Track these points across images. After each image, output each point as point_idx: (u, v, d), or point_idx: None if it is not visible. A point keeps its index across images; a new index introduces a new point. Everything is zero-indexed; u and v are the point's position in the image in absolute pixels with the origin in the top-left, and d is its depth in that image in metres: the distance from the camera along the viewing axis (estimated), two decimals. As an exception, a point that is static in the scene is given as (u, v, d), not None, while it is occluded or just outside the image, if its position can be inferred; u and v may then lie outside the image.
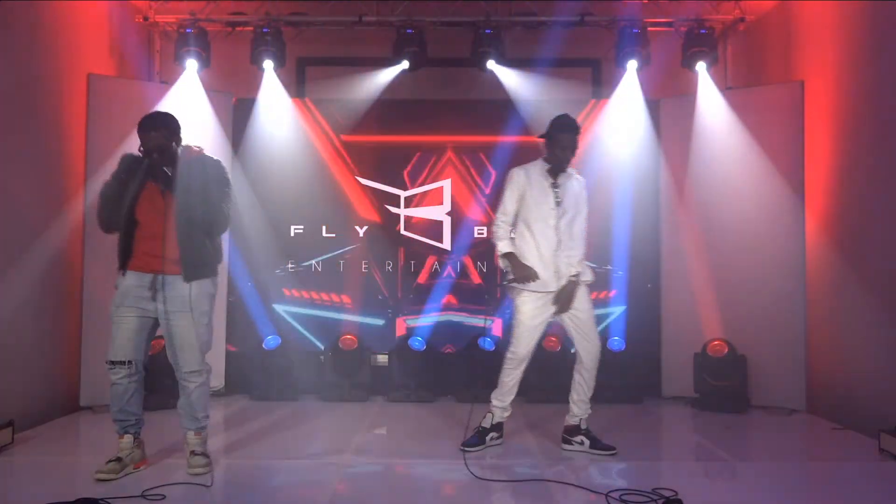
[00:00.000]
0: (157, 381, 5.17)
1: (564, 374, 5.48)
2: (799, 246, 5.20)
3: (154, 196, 3.52)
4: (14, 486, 3.48)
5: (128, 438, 3.61)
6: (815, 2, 5.25)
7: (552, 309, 4.01)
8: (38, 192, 4.76)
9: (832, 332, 5.03)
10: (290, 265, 6.06)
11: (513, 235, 4.06)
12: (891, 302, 4.37)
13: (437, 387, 5.66)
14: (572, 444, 4.09)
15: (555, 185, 4.01)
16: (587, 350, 4.04)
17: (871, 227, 4.58)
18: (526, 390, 5.56)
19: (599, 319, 5.80)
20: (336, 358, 5.63)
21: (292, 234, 6.10)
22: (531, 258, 3.99)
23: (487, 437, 4.13)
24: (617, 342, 5.63)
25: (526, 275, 3.95)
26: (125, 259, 3.56)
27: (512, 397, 4.16)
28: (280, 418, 4.88)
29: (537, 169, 4.07)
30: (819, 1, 5.19)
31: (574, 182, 4.08)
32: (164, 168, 3.50)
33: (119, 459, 3.53)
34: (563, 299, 3.97)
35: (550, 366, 5.52)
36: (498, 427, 4.19)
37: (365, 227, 6.12)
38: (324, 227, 6.11)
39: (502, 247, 4.02)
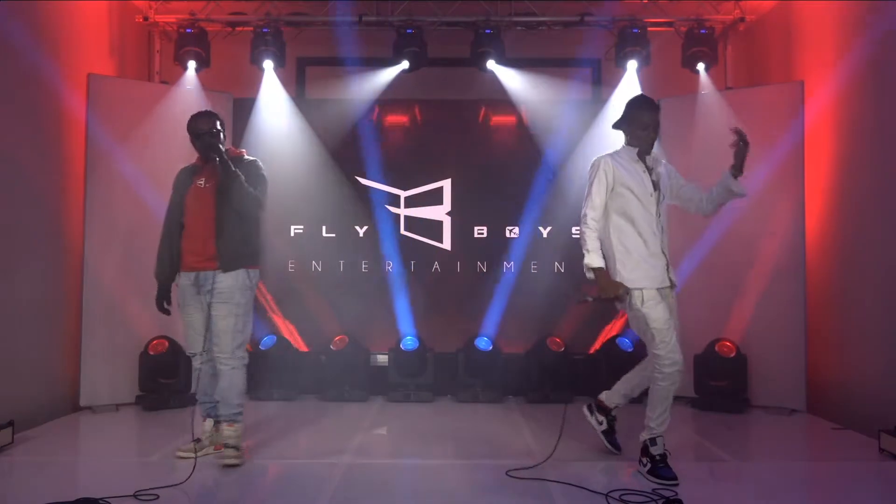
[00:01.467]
0: (155, 381, 5.19)
1: (565, 374, 5.53)
2: (799, 246, 5.19)
3: (197, 195, 3.84)
4: (14, 486, 3.48)
5: (208, 422, 3.95)
6: (815, 2, 5.25)
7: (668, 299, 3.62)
8: (38, 192, 4.76)
9: (832, 333, 5.03)
10: (290, 265, 6.06)
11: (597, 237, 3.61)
12: (890, 302, 4.37)
13: (436, 387, 5.66)
14: (592, 416, 3.99)
15: (650, 169, 3.66)
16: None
17: (871, 227, 4.58)
18: (526, 391, 5.60)
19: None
20: (335, 358, 5.63)
21: (292, 234, 6.10)
22: (638, 254, 3.56)
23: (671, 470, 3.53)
24: (626, 343, 5.62)
25: (617, 295, 3.49)
26: (179, 260, 3.88)
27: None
28: (279, 418, 4.88)
29: (626, 154, 3.69)
30: (819, 1, 5.19)
31: (661, 167, 3.75)
32: (218, 144, 3.80)
33: (198, 440, 3.85)
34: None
35: (551, 366, 5.53)
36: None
37: (365, 227, 6.11)
38: (324, 228, 6.11)
39: (592, 260, 3.51)
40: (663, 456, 3.54)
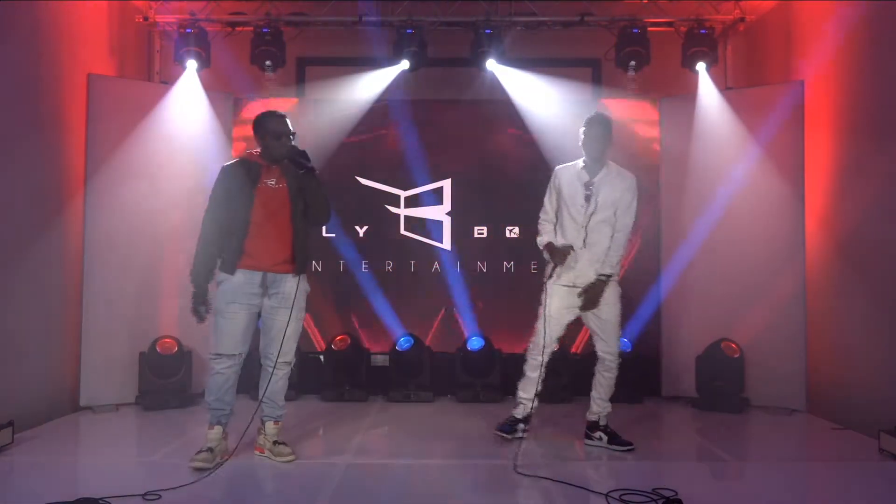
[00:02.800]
0: (155, 381, 5.19)
1: (563, 373, 5.52)
2: (799, 246, 5.19)
3: (270, 196, 3.72)
4: (14, 486, 3.48)
5: (218, 429, 3.78)
6: (815, 2, 5.25)
7: (578, 305, 4.07)
8: (39, 192, 4.76)
9: (832, 332, 5.03)
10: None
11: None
12: (890, 302, 4.37)
13: (436, 387, 5.65)
14: (592, 440, 4.18)
15: (589, 183, 4.05)
16: (605, 352, 4.13)
17: (871, 227, 4.58)
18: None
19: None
20: (335, 358, 5.63)
21: (292, 234, 6.09)
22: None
23: (517, 428, 4.22)
24: (624, 343, 5.60)
25: (563, 252, 4.00)
26: (237, 259, 3.70)
27: (535, 390, 4.17)
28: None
29: (574, 166, 4.16)
30: (819, 1, 5.19)
31: (617, 181, 4.08)
32: (300, 150, 3.74)
33: (210, 450, 3.68)
34: (590, 297, 4.02)
35: (549, 366, 5.51)
36: (527, 420, 4.24)
37: (365, 227, 6.11)
38: (324, 227, 6.10)
39: (541, 240, 4.15)
40: (522, 420, 4.19)
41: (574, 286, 4.06)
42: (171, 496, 3.20)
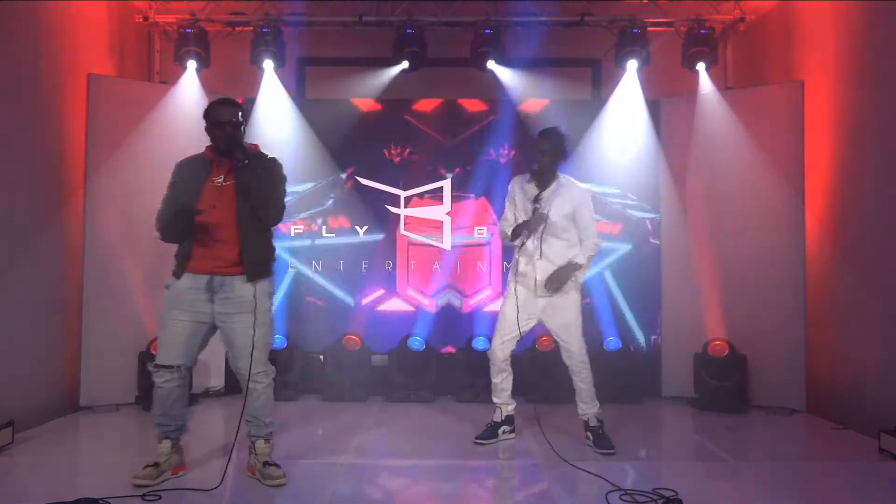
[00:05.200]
0: (151, 382, 5.17)
1: (562, 372, 5.51)
2: (799, 246, 5.19)
3: (216, 194, 3.42)
4: (14, 486, 3.48)
5: (165, 444, 3.52)
6: (815, 2, 5.25)
7: (535, 313, 4.14)
8: (39, 192, 4.76)
9: (832, 332, 5.03)
10: (290, 265, 6.06)
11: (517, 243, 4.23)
12: (891, 302, 4.37)
13: (436, 387, 5.65)
14: (587, 440, 4.21)
15: (538, 198, 4.08)
16: (568, 357, 4.19)
17: (871, 227, 4.58)
18: (526, 390, 5.59)
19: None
20: (336, 358, 5.63)
21: (292, 234, 6.10)
22: (521, 259, 4.18)
23: (499, 431, 4.30)
24: (612, 342, 5.60)
25: (537, 219, 4.02)
26: (185, 262, 3.44)
27: (507, 394, 4.33)
28: (280, 418, 4.87)
29: (526, 179, 4.24)
30: (819, 1, 5.19)
31: (570, 194, 4.11)
32: (241, 140, 3.45)
33: (156, 465, 3.43)
34: (553, 279, 4.05)
35: (548, 365, 5.52)
36: (509, 420, 4.35)
37: (365, 227, 6.11)
38: (324, 228, 6.11)
39: (508, 233, 4.18)
40: (502, 423, 4.30)
41: (529, 289, 4.13)
42: (171, 496, 3.20)
